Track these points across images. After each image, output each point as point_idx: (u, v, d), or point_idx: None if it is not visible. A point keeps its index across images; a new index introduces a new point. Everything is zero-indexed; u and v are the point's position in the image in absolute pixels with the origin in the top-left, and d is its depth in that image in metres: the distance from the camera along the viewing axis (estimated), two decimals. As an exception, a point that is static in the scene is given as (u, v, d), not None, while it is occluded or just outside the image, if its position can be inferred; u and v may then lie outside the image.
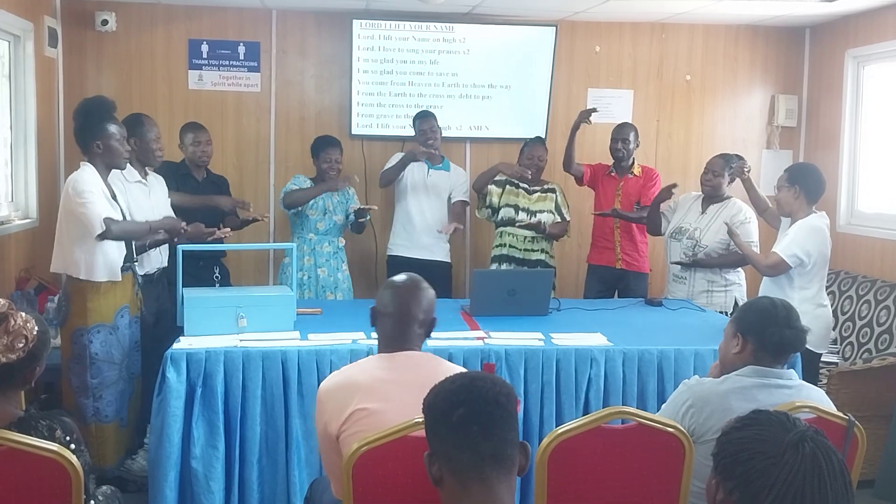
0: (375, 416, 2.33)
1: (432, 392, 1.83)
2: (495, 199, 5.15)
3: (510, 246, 5.13)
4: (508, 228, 5.14)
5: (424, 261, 5.18)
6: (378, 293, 2.65)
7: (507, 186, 5.17)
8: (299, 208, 4.93)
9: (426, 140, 5.17)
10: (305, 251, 4.97)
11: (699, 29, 6.15)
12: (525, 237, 5.11)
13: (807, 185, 4.11)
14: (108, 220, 3.66)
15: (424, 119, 5.23)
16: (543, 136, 5.78)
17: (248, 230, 5.41)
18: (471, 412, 1.74)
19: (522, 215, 5.10)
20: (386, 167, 5.25)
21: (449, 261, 5.38)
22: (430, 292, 2.64)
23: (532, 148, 5.19)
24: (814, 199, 4.15)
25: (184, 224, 4.14)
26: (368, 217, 5.08)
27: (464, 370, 2.32)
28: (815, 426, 1.55)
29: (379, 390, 2.38)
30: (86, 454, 2.23)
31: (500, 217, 5.17)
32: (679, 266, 4.73)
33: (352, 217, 5.09)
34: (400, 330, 2.55)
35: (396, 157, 5.26)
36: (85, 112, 3.81)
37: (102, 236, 3.67)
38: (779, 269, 4.07)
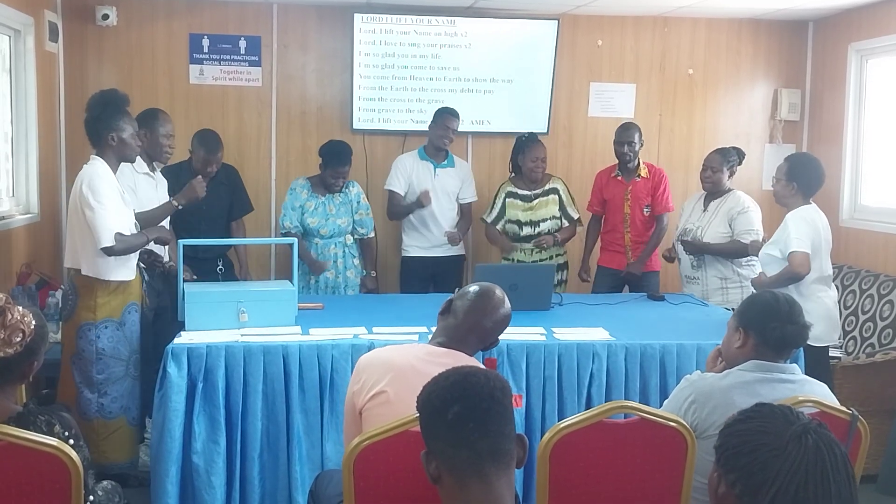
0: (393, 406, 2.34)
1: (426, 390, 1.81)
2: (500, 207, 5.16)
3: (518, 261, 5.10)
4: (515, 243, 5.11)
5: (440, 258, 5.18)
6: (464, 289, 2.68)
7: (507, 199, 5.15)
8: (302, 216, 4.90)
9: (442, 136, 5.13)
10: (314, 255, 4.92)
11: (702, 22, 6.13)
12: (533, 249, 5.08)
13: (804, 182, 4.10)
14: (118, 237, 3.65)
15: (449, 117, 5.14)
16: (546, 131, 5.78)
17: (250, 226, 5.40)
18: (466, 409, 1.72)
19: (527, 230, 5.08)
20: (392, 202, 5.23)
21: (463, 252, 5.39)
22: (507, 313, 2.67)
23: (533, 149, 5.08)
24: (810, 194, 4.14)
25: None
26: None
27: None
28: (818, 419, 1.54)
29: (409, 380, 2.36)
30: (84, 449, 2.22)
31: (504, 231, 5.15)
32: (690, 266, 4.72)
33: (361, 230, 5.08)
34: (460, 334, 2.58)
35: (398, 167, 5.24)
36: (102, 103, 3.81)
37: (107, 251, 3.66)
38: (805, 264, 3.96)
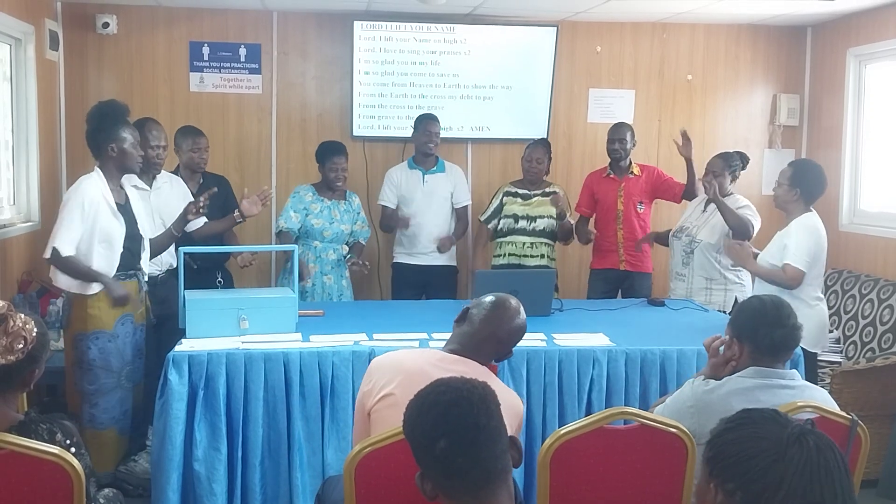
0: (400, 408, 2.31)
1: (408, 421, 1.76)
2: (497, 205, 5.17)
3: (510, 254, 5.12)
4: (508, 238, 5.13)
5: (429, 266, 5.18)
6: (480, 299, 2.66)
7: (505, 197, 5.18)
8: (306, 217, 4.90)
9: (426, 142, 5.16)
10: (311, 258, 4.92)
11: (700, 28, 6.14)
12: (524, 243, 5.10)
13: (807, 189, 4.11)
14: (55, 252, 3.65)
15: (430, 121, 5.19)
16: (545, 137, 5.79)
17: (250, 232, 5.40)
18: (453, 444, 1.67)
19: (523, 223, 5.10)
20: (384, 215, 5.24)
21: (454, 264, 5.37)
22: (523, 324, 2.65)
23: (532, 150, 5.17)
24: (811, 201, 4.15)
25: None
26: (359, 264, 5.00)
27: (512, 393, 2.31)
28: (811, 420, 1.54)
29: (418, 383, 2.34)
30: (86, 457, 2.23)
31: (499, 227, 5.16)
32: (681, 262, 4.73)
33: (351, 239, 5.09)
34: (475, 343, 2.56)
35: (388, 181, 5.26)
36: (101, 115, 3.80)
37: (47, 260, 3.71)
38: (798, 280, 3.99)
